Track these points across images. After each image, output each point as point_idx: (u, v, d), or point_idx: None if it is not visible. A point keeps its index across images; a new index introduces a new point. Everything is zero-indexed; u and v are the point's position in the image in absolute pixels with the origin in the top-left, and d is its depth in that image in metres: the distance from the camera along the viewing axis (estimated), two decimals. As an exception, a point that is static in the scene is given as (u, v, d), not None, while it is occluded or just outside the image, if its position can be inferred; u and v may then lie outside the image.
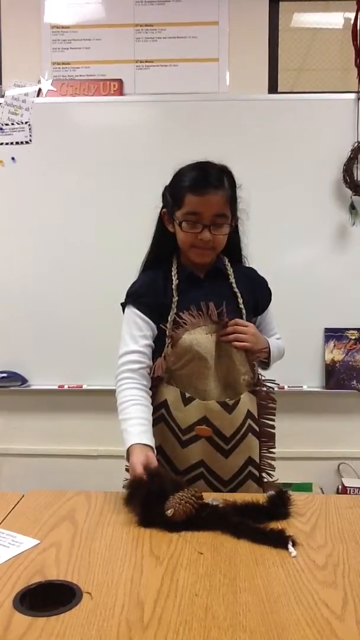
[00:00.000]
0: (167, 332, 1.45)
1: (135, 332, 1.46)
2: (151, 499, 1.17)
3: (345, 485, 2.63)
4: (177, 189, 1.46)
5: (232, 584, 0.94)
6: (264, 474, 1.53)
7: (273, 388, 1.54)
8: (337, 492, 2.67)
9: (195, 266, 1.51)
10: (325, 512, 1.23)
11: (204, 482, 1.43)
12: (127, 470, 1.46)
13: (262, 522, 1.15)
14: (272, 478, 1.55)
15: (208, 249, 1.46)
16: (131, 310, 1.49)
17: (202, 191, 1.41)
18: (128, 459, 1.32)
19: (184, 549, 1.06)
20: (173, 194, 1.47)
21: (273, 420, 1.54)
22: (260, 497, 1.25)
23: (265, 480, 1.54)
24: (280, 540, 1.08)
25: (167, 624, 0.83)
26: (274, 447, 1.55)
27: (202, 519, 1.15)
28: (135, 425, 1.35)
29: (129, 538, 1.11)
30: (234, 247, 1.57)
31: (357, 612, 0.86)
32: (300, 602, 0.89)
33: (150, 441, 1.34)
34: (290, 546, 1.06)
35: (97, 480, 1.94)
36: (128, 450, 1.32)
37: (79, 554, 1.04)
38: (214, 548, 1.07)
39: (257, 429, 1.51)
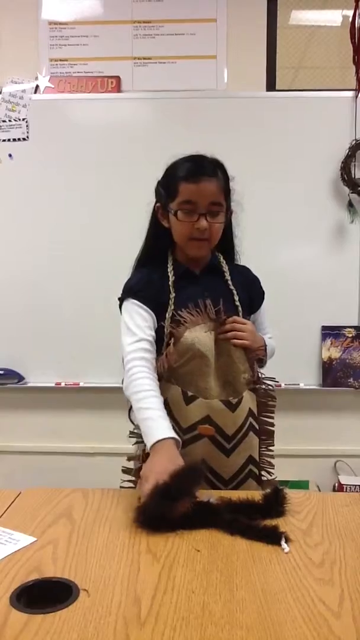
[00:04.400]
0: (165, 330, 1.44)
1: (140, 322, 1.43)
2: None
3: (342, 482, 2.63)
4: (170, 181, 1.46)
5: (229, 581, 0.94)
6: (263, 472, 1.53)
7: (272, 386, 1.54)
8: (334, 490, 2.68)
9: (191, 262, 1.51)
10: (322, 510, 1.23)
11: (204, 481, 1.41)
12: (124, 471, 1.45)
13: (257, 519, 1.14)
14: (271, 476, 1.55)
15: (205, 240, 1.44)
16: (131, 302, 1.46)
17: (196, 179, 1.41)
18: (149, 448, 1.25)
19: (181, 546, 1.06)
20: (166, 186, 1.46)
21: (272, 418, 1.54)
22: (256, 495, 1.25)
23: (264, 478, 1.54)
24: (273, 537, 1.08)
25: (164, 620, 0.83)
26: (273, 445, 1.55)
27: (195, 516, 1.14)
28: (161, 418, 1.29)
29: (126, 535, 1.11)
30: (227, 243, 1.56)
31: (353, 610, 0.86)
32: (297, 600, 0.89)
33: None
34: (283, 542, 1.06)
35: (94, 478, 1.93)
36: (156, 443, 1.24)
37: (76, 552, 1.04)
38: (211, 545, 1.07)
39: (257, 427, 1.51)
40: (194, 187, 1.41)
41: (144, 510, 1.13)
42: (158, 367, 1.43)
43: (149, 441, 1.26)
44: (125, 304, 1.48)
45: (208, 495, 1.23)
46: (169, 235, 1.50)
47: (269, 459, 1.55)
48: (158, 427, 1.27)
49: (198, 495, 1.18)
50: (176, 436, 1.26)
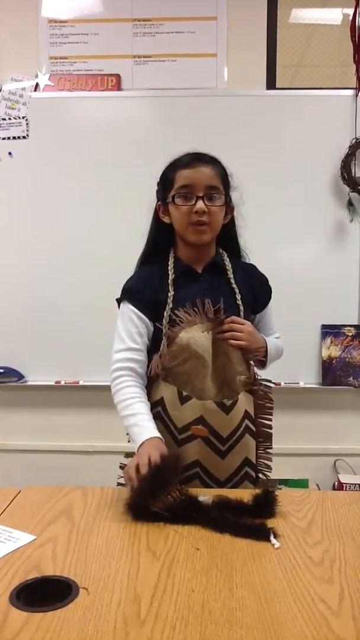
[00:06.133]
0: (163, 330, 1.43)
1: (131, 328, 1.44)
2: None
3: (342, 481, 2.63)
4: (167, 173, 1.48)
5: (229, 580, 0.94)
6: (260, 475, 1.52)
7: (270, 387, 1.53)
8: (334, 489, 2.68)
9: (193, 260, 1.50)
10: (322, 509, 1.24)
11: (199, 482, 1.42)
12: (122, 467, 1.46)
13: (247, 520, 1.14)
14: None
15: (204, 225, 1.42)
16: (127, 307, 1.46)
17: (192, 165, 1.43)
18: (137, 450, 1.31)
19: (180, 545, 1.06)
20: (164, 180, 1.48)
21: (270, 420, 1.52)
22: (246, 496, 1.22)
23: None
24: (261, 533, 1.08)
25: (164, 619, 0.83)
26: (271, 447, 1.53)
27: (182, 511, 1.15)
28: (147, 420, 1.35)
29: (125, 534, 1.11)
30: (231, 240, 1.56)
31: (353, 608, 0.86)
32: (297, 598, 0.89)
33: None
34: (272, 538, 1.06)
35: (93, 476, 1.93)
36: (144, 443, 1.29)
37: (75, 550, 1.04)
38: (210, 544, 1.07)
39: (254, 429, 1.49)
40: (190, 171, 1.42)
41: (132, 504, 1.18)
42: (153, 367, 1.42)
43: (136, 445, 1.30)
44: (122, 307, 1.48)
45: (203, 494, 1.22)
46: (171, 233, 1.49)
47: (266, 462, 1.53)
48: (143, 432, 1.32)
49: (178, 482, 1.20)
50: (161, 436, 1.32)
